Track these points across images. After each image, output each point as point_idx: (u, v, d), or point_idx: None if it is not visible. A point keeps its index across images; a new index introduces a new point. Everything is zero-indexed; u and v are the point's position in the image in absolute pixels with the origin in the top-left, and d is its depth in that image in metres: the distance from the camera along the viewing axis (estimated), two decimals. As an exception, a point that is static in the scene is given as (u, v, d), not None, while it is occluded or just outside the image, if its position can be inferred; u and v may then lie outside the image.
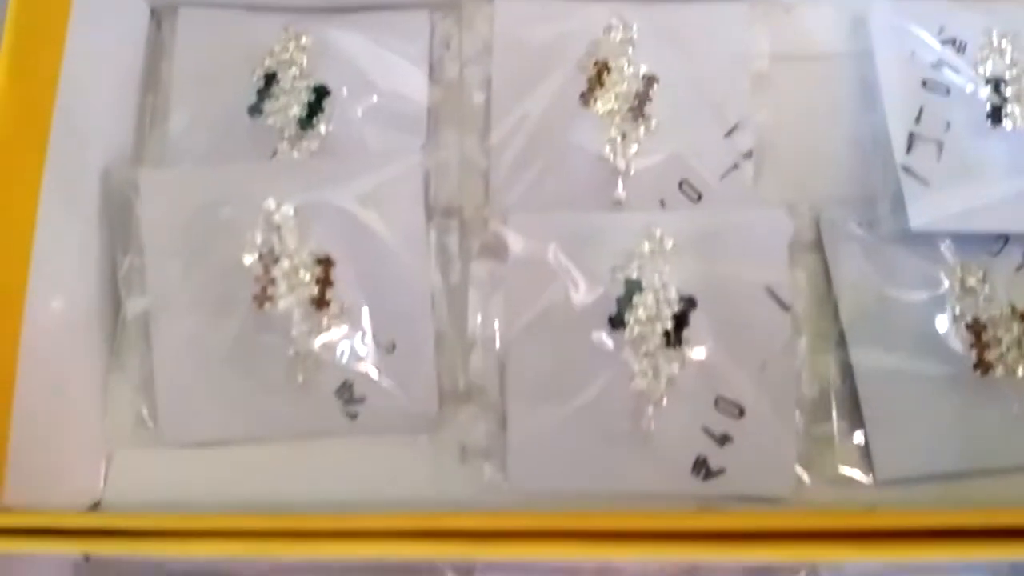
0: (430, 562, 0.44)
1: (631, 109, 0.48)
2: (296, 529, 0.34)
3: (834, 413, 0.45)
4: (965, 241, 0.46)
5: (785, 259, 0.46)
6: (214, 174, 0.48)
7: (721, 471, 0.45)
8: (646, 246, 0.45)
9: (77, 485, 0.46)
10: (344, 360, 0.46)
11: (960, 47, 0.48)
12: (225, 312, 0.46)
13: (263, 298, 0.45)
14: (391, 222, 0.47)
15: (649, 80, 0.49)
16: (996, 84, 0.47)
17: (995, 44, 0.48)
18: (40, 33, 0.46)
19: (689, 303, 0.45)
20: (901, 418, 0.44)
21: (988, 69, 0.47)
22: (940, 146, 0.47)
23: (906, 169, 0.47)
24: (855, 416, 0.45)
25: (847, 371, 0.45)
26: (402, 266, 0.47)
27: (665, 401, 0.45)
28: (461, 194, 0.49)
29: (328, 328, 0.46)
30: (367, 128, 0.50)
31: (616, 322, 0.45)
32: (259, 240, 0.45)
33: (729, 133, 0.49)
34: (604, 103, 0.48)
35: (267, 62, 0.49)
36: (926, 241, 0.46)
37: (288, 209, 0.46)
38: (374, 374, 0.46)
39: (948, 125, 0.47)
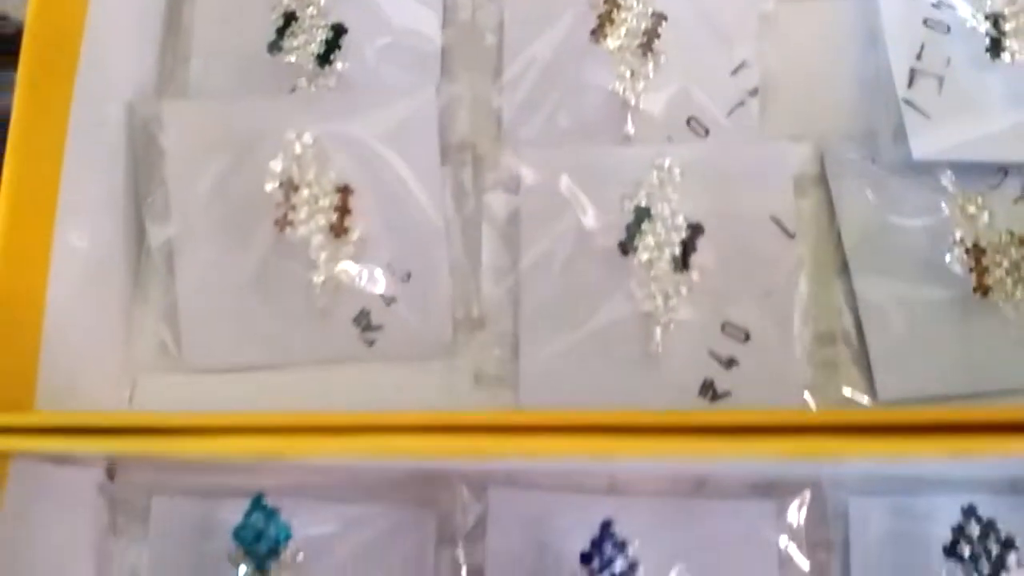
0: (445, 474, 0.46)
1: (640, 45, 0.49)
2: (322, 424, 0.35)
3: (838, 337, 0.47)
4: (965, 174, 0.48)
5: (790, 190, 0.48)
6: (236, 106, 0.49)
7: (727, 393, 0.46)
8: (655, 176, 0.47)
9: (103, 410, 0.48)
10: (361, 288, 0.48)
11: (961, -15, 0.50)
12: (247, 240, 0.48)
13: (284, 223, 0.46)
14: (407, 156, 0.49)
15: (658, 17, 0.50)
16: (995, 19, 0.48)
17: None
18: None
19: (696, 229, 0.46)
20: (903, 341, 0.46)
21: (988, 5, 0.48)
22: (941, 81, 0.48)
23: (908, 103, 0.48)
24: (858, 340, 0.46)
25: (850, 297, 0.47)
26: (417, 198, 0.48)
27: (672, 325, 0.46)
28: (474, 131, 0.50)
29: (346, 256, 0.47)
30: (382, 66, 0.51)
31: (625, 247, 0.46)
32: (280, 169, 0.47)
33: (735, 71, 0.50)
34: (614, 39, 0.49)
35: (286, 1, 0.51)
36: (927, 172, 0.47)
37: (308, 139, 0.47)
38: (390, 302, 0.48)
39: (948, 60, 0.49)
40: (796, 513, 0.45)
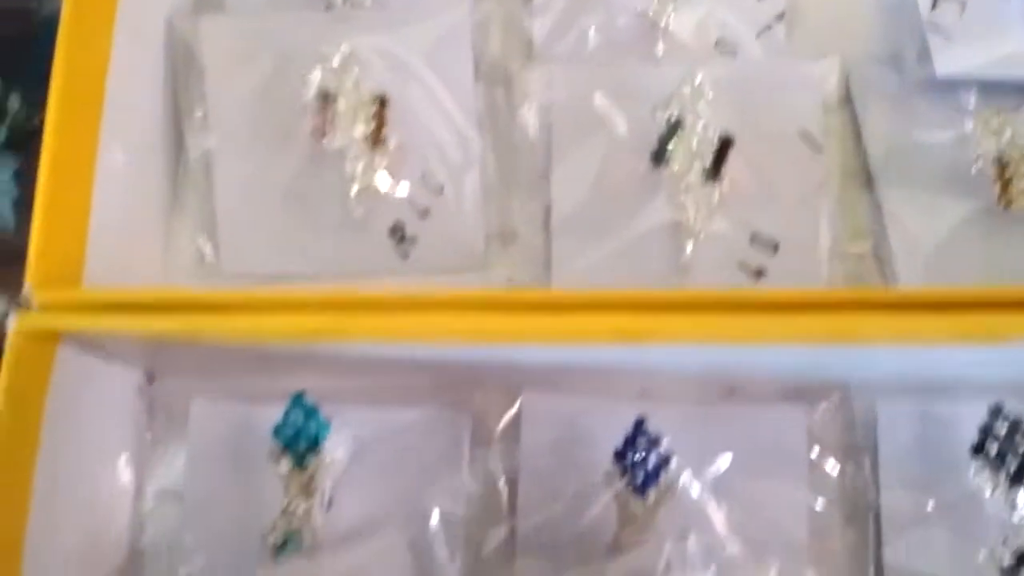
0: (479, 378, 0.47)
1: (669, -33, 0.51)
2: (363, 301, 0.36)
3: (864, 249, 0.48)
4: (988, 95, 0.49)
5: (819, 107, 0.49)
6: (273, 20, 0.50)
7: (756, 304, 0.47)
8: (686, 90, 0.48)
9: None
10: (396, 200, 0.49)
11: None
12: (284, 151, 0.49)
13: (321, 132, 0.47)
14: (441, 71, 0.49)
15: (687, -58, 0.51)
16: (1017, -58, 0.50)
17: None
18: None
19: (727, 141, 0.47)
20: (927, 253, 0.47)
21: (1010, -73, 0.50)
22: (963, 4, 0.50)
23: (931, 25, 0.49)
24: (884, 252, 0.48)
25: (876, 210, 0.48)
26: (451, 113, 0.49)
27: (703, 235, 0.47)
28: (506, 50, 0.51)
29: (382, 167, 0.48)
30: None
31: (657, 159, 0.47)
32: (317, 80, 0.48)
33: (762, -4, 0.52)
34: (643, -38, 0.51)
35: (320, -79, 0.52)
36: (951, 91, 0.48)
37: (345, 49, 0.48)
38: (424, 215, 0.49)
39: (971, -17, 0.50)
40: (825, 418, 0.46)
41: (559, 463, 0.46)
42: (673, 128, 0.47)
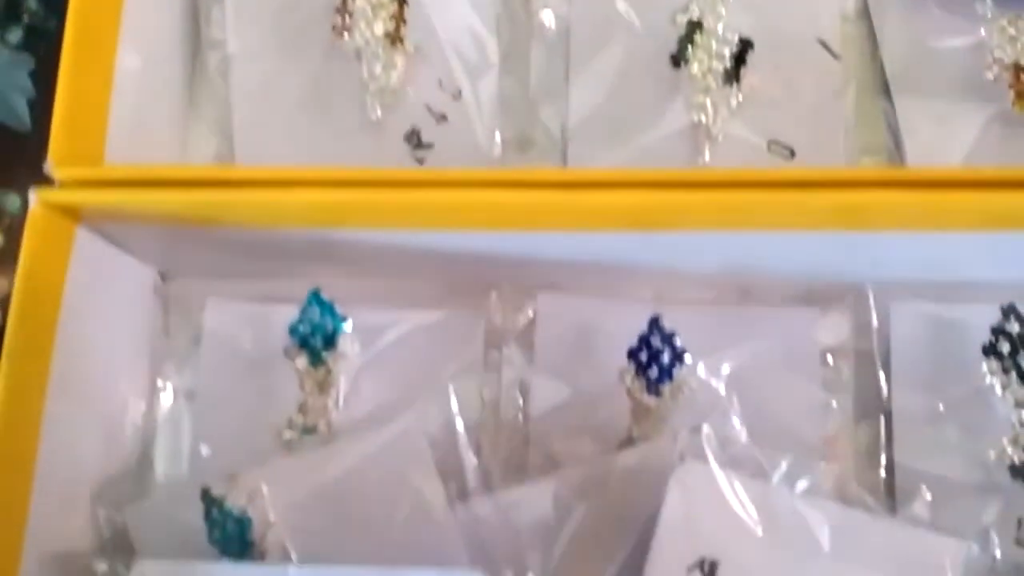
0: (495, 280, 0.47)
1: None
2: (380, 179, 0.36)
3: (880, 157, 0.48)
4: (1003, 2, 0.48)
5: (837, 16, 0.49)
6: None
7: (772, 208, 0.47)
8: (706, -6, 0.48)
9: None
10: (413, 105, 0.49)
11: None
12: (302, 52, 0.49)
13: (341, 29, 0.47)
14: (459, -25, 0.50)
15: None
16: None
17: None
18: None
19: (746, 43, 0.47)
20: (943, 157, 0.47)
21: None
22: (980, -89, 0.50)
23: (947, -66, 0.49)
24: (899, 161, 0.47)
25: (892, 117, 0.48)
26: (468, 16, 0.49)
27: (721, 138, 0.47)
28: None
29: (400, 67, 0.48)
30: None
31: (677, 60, 0.47)
32: (336, -21, 0.48)
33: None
34: None
35: None
36: (966, 2, 0.49)
37: (365, -52, 0.48)
38: (440, 120, 0.49)
39: None
40: (838, 320, 0.46)
41: (573, 363, 0.46)
42: (692, 29, 0.47)
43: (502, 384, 0.47)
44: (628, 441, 0.43)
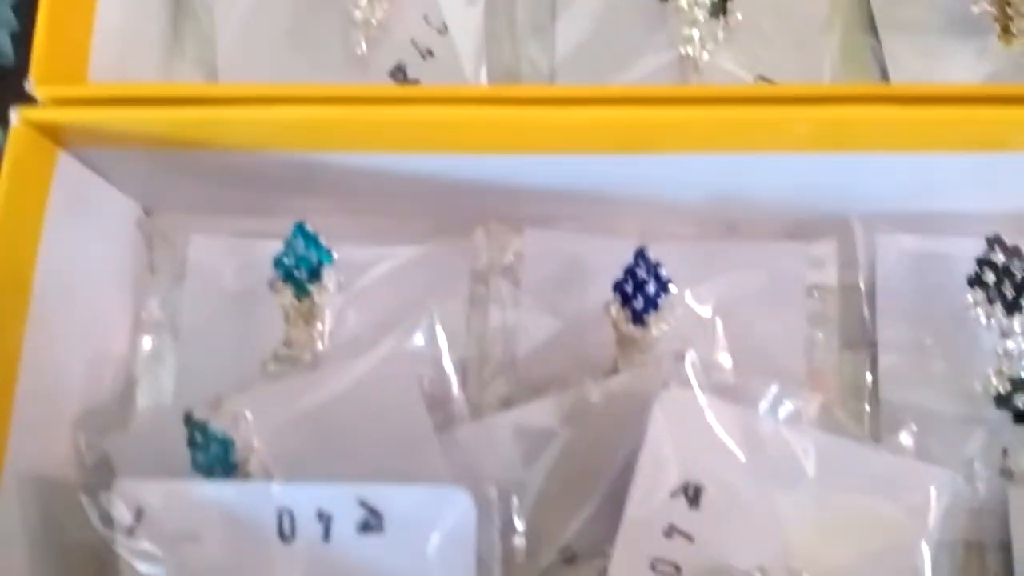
0: (482, 216, 0.47)
1: None
2: (366, 95, 0.36)
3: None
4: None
5: (822, -49, 0.49)
6: None
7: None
8: (692, -73, 0.48)
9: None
10: (399, 40, 0.48)
11: None
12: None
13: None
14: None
15: None
16: None
17: None
18: None
19: (734, -24, 0.47)
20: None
21: None
22: None
23: None
24: (884, 93, 0.48)
25: (878, 52, 0.48)
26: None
27: (707, 71, 0.47)
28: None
29: (386, 0, 0.48)
30: None
31: (664, -7, 0.47)
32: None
33: None
34: None
35: None
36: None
37: None
38: (426, 55, 0.49)
39: None
40: (825, 253, 0.46)
41: (560, 298, 0.46)
42: (679, -39, 0.47)
43: (488, 320, 0.47)
44: (613, 372, 0.43)
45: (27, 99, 0.39)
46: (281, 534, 0.37)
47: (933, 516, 0.40)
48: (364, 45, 0.48)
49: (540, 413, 0.41)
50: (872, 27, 0.48)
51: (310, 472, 0.39)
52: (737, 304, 0.45)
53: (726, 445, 0.40)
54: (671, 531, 0.40)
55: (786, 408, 0.41)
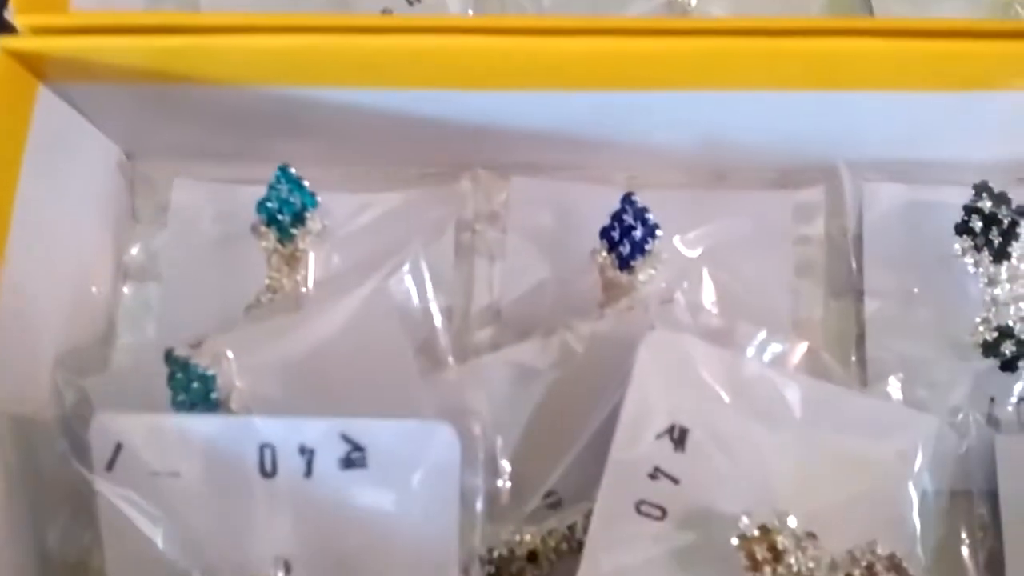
0: (468, 163, 0.46)
1: None
2: (352, 24, 0.36)
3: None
4: None
5: None
6: None
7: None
8: None
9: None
10: (385, -15, 0.48)
11: None
12: None
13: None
14: None
15: None
16: None
17: None
18: None
19: None
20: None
21: None
22: None
23: None
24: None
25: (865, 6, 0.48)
26: None
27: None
28: None
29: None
30: None
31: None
32: None
33: None
34: None
35: None
36: None
37: None
38: (414, 1, 0.48)
39: None
40: (812, 201, 0.46)
41: (546, 245, 0.46)
42: None
43: (474, 267, 0.46)
44: (600, 314, 0.43)
45: (7, 28, 0.39)
46: (263, 470, 0.36)
47: (920, 461, 0.40)
48: (349, -10, 0.48)
49: (526, 354, 0.41)
50: (860, -27, 0.49)
51: (292, 412, 0.39)
52: (724, 252, 0.45)
53: (712, 387, 0.40)
54: (656, 473, 0.39)
55: (772, 352, 0.41)
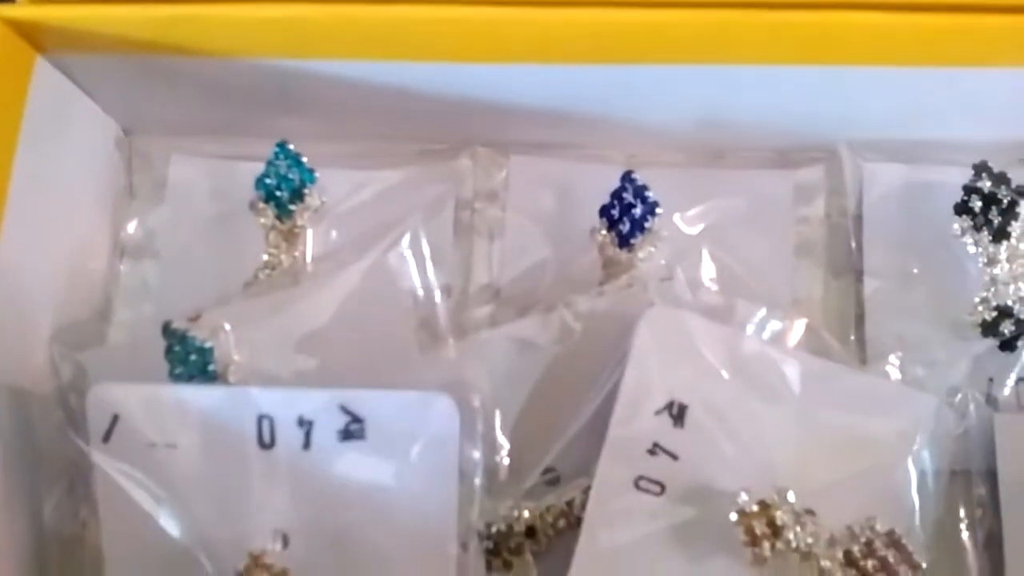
0: (467, 141, 0.46)
1: None
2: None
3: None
4: None
5: None
6: None
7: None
8: None
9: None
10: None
11: None
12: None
13: None
14: None
15: None
16: None
17: None
18: None
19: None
20: None
21: None
22: None
23: None
24: None
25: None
26: None
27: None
28: None
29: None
30: None
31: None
32: None
33: None
34: None
35: None
36: None
37: None
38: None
39: None
40: (812, 181, 0.46)
41: (546, 225, 0.46)
42: None
43: (474, 246, 0.46)
44: (600, 292, 0.43)
45: (5, -2, 0.39)
46: (261, 441, 0.36)
47: (919, 440, 0.40)
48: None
49: (526, 330, 0.41)
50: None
51: (291, 386, 0.39)
52: (724, 231, 0.45)
53: (712, 364, 0.40)
54: (655, 449, 0.39)
55: (772, 330, 0.41)
